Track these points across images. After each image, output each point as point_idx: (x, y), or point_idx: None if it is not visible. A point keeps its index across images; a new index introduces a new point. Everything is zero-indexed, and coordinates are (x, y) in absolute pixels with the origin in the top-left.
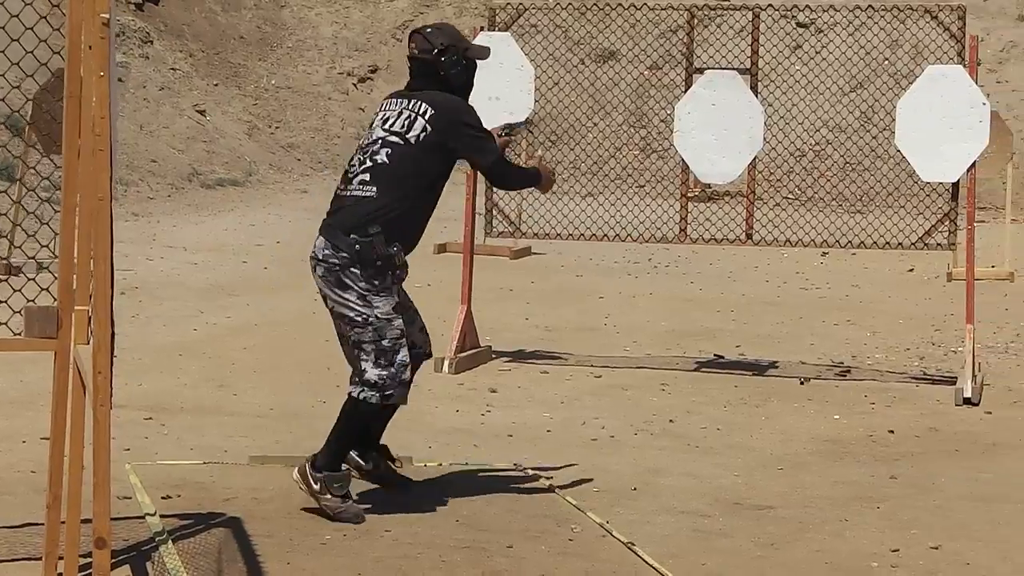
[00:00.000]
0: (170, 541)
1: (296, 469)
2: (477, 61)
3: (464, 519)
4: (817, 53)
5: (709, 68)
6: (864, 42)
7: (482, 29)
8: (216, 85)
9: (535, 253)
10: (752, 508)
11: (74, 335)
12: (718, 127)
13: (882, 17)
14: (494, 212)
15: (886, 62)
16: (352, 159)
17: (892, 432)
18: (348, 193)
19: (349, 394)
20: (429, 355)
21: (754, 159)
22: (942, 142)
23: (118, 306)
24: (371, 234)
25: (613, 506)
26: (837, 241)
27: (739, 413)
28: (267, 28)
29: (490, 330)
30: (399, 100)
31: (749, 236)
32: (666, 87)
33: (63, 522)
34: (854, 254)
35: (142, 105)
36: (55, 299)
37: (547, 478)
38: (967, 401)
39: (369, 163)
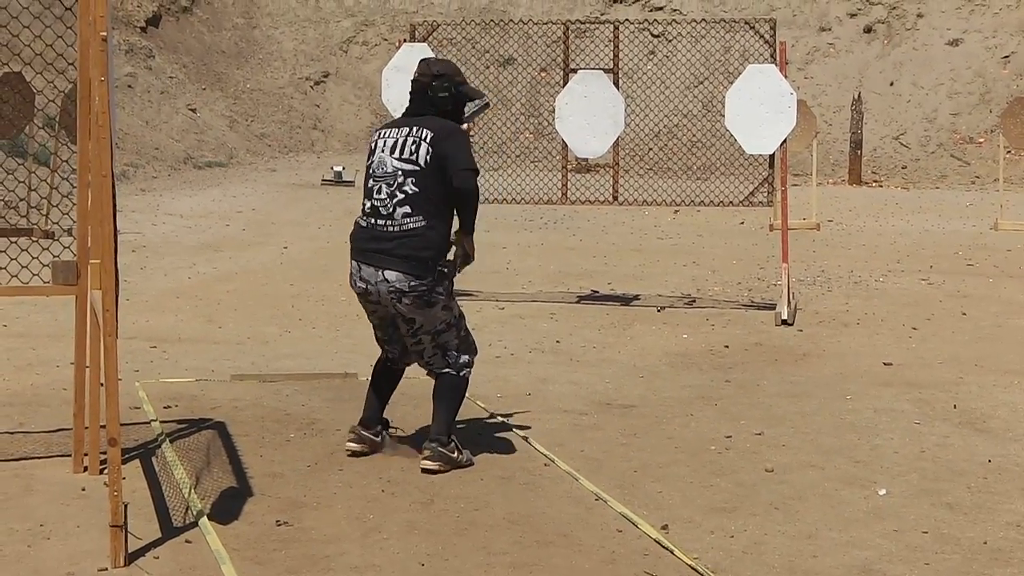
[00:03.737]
0: (169, 440)
1: (424, 461)
2: (470, 100)
3: (397, 421)
4: (667, 57)
5: (581, 69)
6: (704, 48)
7: (404, 41)
8: (204, 89)
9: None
10: (619, 407)
11: (90, 283)
12: (589, 114)
13: (717, 30)
14: None
15: (720, 63)
16: (372, 189)
17: (727, 347)
18: (396, 228)
19: (444, 375)
20: None
21: (618, 138)
22: (760, 124)
23: (129, 261)
24: (449, 257)
25: (512, 408)
26: (683, 201)
27: (609, 334)
28: (242, 44)
29: None
30: (400, 128)
31: (615, 198)
32: (551, 85)
33: (86, 427)
34: (699, 211)
35: (147, 106)
36: (75, 255)
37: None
38: (784, 322)
39: (401, 195)
